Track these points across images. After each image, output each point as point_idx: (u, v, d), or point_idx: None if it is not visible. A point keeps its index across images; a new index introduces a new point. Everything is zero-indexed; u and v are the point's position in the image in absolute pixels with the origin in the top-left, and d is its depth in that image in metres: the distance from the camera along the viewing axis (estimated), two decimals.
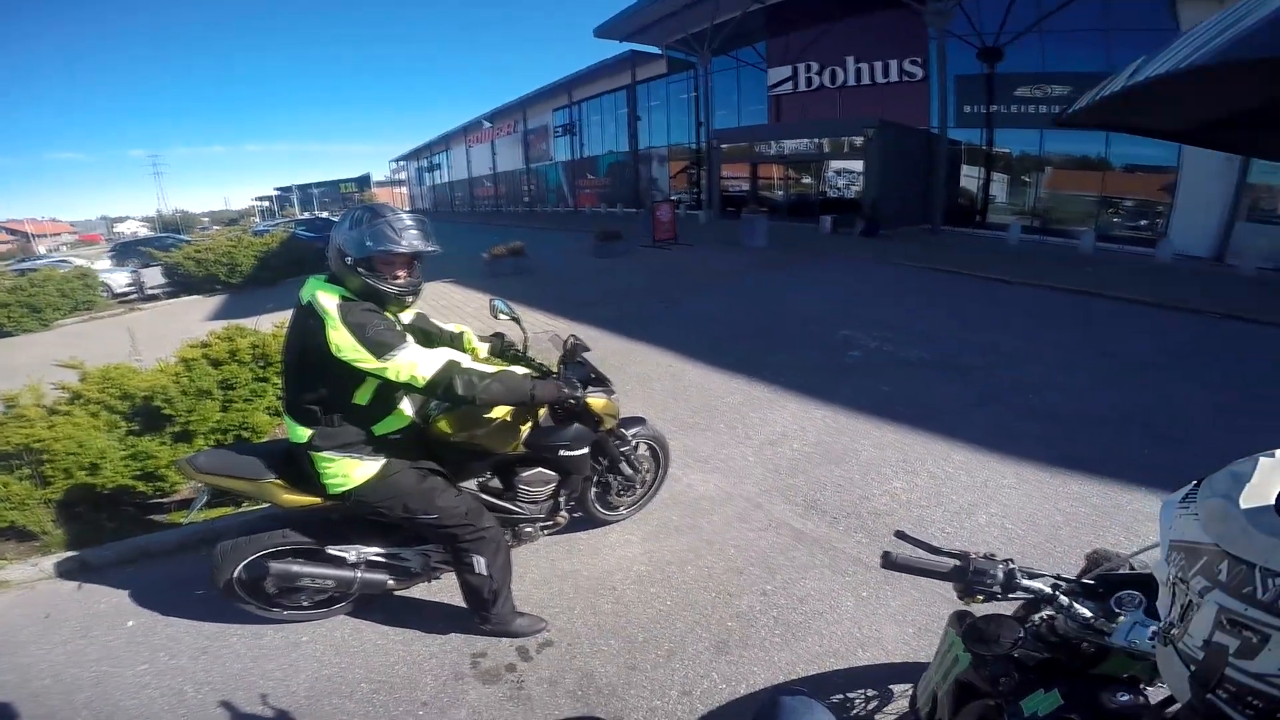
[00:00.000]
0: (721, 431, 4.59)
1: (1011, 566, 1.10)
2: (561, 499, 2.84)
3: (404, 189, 63.41)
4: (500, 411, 2.49)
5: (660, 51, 25.78)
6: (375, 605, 2.79)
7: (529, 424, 2.61)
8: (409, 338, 2.17)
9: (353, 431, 2.26)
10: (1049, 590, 1.06)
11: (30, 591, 3.16)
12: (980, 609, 1.19)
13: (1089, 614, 1.03)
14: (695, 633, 2.58)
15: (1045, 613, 1.15)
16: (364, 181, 59.54)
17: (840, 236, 16.66)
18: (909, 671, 2.12)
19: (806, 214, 19.38)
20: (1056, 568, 3.01)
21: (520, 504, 2.73)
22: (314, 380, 2.20)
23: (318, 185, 61.71)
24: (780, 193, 22.70)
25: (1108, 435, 4.39)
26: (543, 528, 2.86)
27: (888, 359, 6.16)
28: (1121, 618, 1.02)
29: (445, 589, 2.81)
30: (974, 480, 3.80)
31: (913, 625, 2.55)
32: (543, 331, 3.63)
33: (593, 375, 2.81)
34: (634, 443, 3.11)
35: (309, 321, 2.14)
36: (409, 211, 2.31)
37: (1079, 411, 4.81)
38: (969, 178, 19.07)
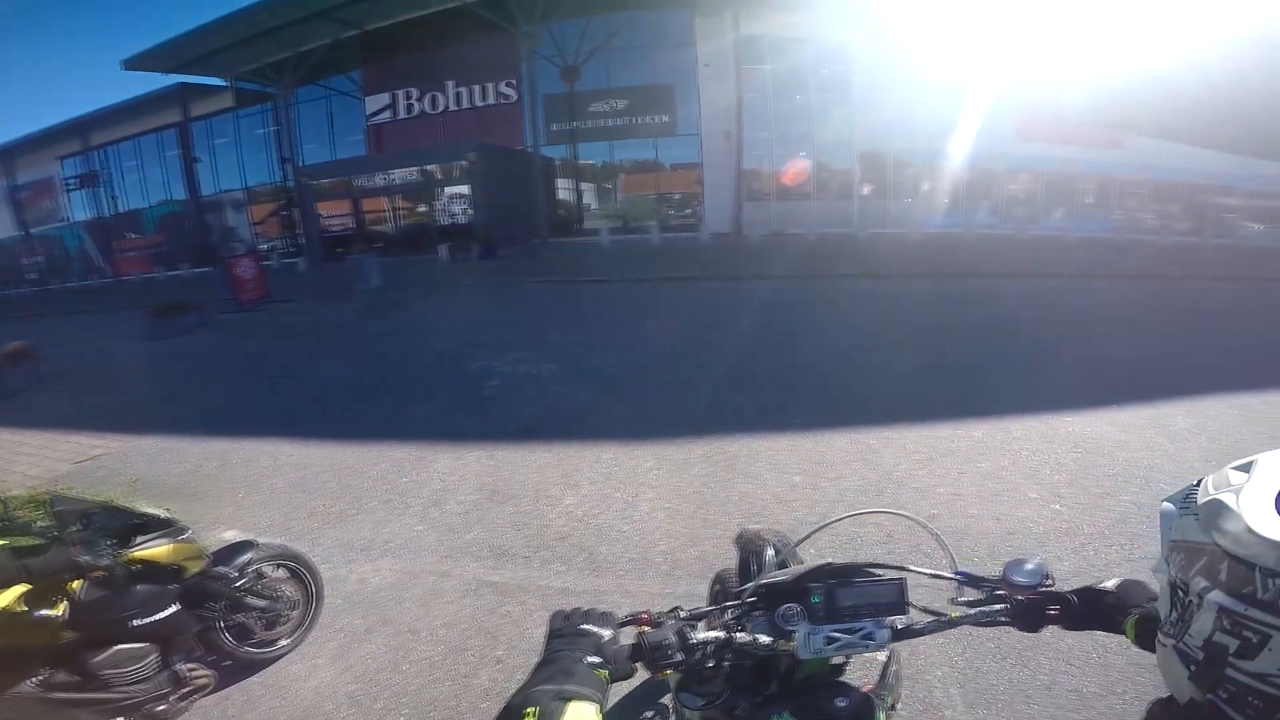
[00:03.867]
0: (375, 510, 3.95)
1: (679, 619, 1.04)
2: (179, 666, 2.34)
3: None
4: (3, 601, 1.92)
5: (226, 83, 21.77)
6: None
7: (61, 605, 2.04)
8: None
9: None
10: (724, 636, 1.04)
11: None
12: None
13: (768, 640, 1.05)
14: None
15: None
16: None
17: (460, 264, 16.68)
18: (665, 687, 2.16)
19: (423, 245, 18.88)
20: (713, 530, 3.39)
21: (118, 690, 2.17)
22: None
23: None
24: (392, 227, 21.59)
25: (713, 395, 5.30)
26: (183, 697, 2.34)
27: (524, 379, 6.41)
28: (795, 633, 1.05)
29: None
30: (626, 473, 4.17)
31: None
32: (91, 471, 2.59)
33: (137, 520, 2.32)
34: (249, 572, 2.63)
35: None
36: None
37: (685, 380, 5.84)
38: (564, 190, 21.23)
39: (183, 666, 2.41)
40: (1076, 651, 2.40)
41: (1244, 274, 12.71)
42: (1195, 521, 0.61)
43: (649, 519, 3.61)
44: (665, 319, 8.58)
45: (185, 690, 2.42)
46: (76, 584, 2.15)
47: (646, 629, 1.00)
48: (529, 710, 0.73)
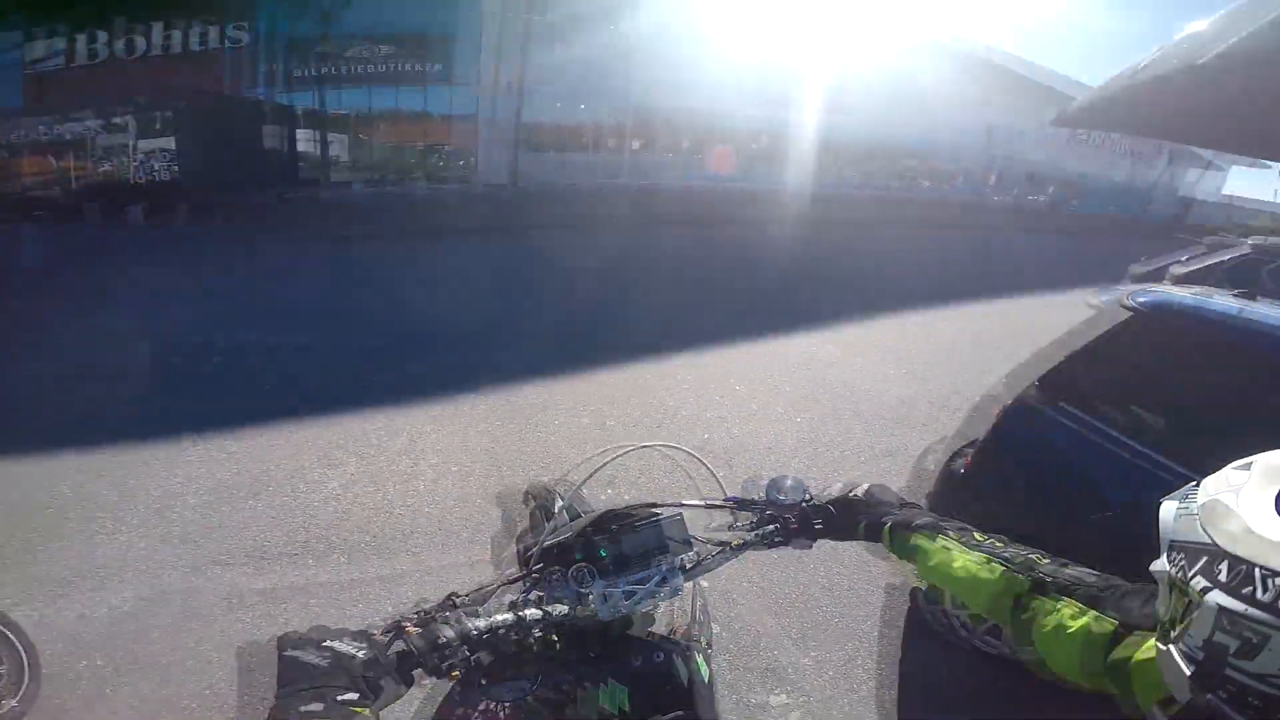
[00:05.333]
0: (76, 532, 3.11)
1: (455, 606, 0.91)
2: None
3: None
4: None
5: None
6: None
7: None
8: None
9: None
10: (513, 617, 0.91)
11: None
12: None
13: (565, 609, 0.96)
14: None
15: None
16: None
17: (162, 227, 13.31)
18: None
19: (110, 208, 14.98)
20: (513, 484, 3.27)
21: None
22: None
23: None
24: (57, 189, 16.78)
25: (488, 348, 5.18)
26: None
27: (255, 353, 5.34)
28: (590, 594, 0.99)
29: None
30: (401, 444, 3.88)
31: None
32: None
33: None
34: None
35: None
36: None
37: (458, 336, 5.58)
38: (309, 141, 18.56)
39: None
40: (844, 554, 2.85)
41: (920, 220, 16.04)
42: (1195, 521, 0.62)
43: (437, 487, 3.41)
44: (429, 274, 7.97)
45: None
46: None
47: (413, 631, 0.84)
48: None
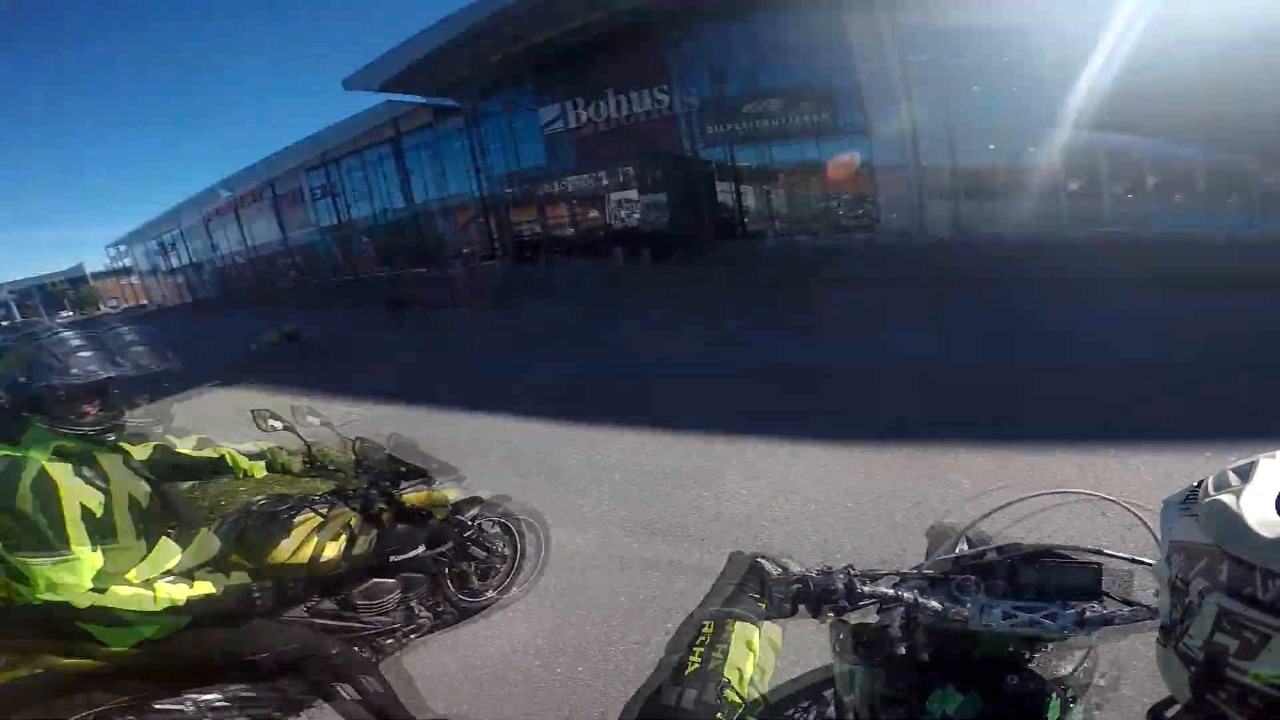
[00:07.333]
0: (571, 483, 4.45)
1: (851, 575, 1.06)
2: (414, 603, 2.58)
3: (134, 279, 49.67)
4: (299, 534, 2.29)
5: (422, 101, 25.03)
6: None
7: (340, 538, 2.36)
8: None
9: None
10: (892, 592, 1.05)
11: None
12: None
13: (938, 606, 1.03)
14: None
15: (900, 610, 1.14)
16: (78, 275, 48.91)
17: (636, 268, 17.32)
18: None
19: (597, 250, 20.02)
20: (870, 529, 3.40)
21: (365, 619, 2.43)
22: None
23: (9, 286, 48.78)
24: (570, 231, 23.06)
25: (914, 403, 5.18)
26: (406, 634, 2.57)
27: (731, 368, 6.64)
28: (968, 603, 1.02)
29: None
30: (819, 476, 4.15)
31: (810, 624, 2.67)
32: (346, 432, 2.92)
33: (403, 469, 2.70)
34: (476, 524, 2.88)
35: None
36: (73, 326, 1.99)
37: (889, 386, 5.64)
38: (724, 193, 21.08)
39: (416, 605, 2.58)
40: None
41: None
42: (1195, 522, 0.61)
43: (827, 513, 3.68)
44: (903, 325, 7.94)
45: (409, 628, 2.58)
46: (354, 519, 2.44)
47: (813, 574, 1.05)
48: (706, 623, 0.91)
